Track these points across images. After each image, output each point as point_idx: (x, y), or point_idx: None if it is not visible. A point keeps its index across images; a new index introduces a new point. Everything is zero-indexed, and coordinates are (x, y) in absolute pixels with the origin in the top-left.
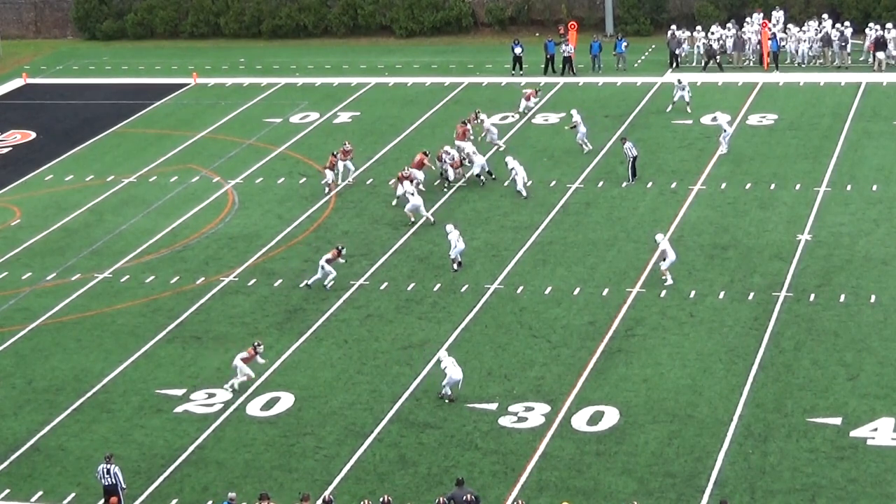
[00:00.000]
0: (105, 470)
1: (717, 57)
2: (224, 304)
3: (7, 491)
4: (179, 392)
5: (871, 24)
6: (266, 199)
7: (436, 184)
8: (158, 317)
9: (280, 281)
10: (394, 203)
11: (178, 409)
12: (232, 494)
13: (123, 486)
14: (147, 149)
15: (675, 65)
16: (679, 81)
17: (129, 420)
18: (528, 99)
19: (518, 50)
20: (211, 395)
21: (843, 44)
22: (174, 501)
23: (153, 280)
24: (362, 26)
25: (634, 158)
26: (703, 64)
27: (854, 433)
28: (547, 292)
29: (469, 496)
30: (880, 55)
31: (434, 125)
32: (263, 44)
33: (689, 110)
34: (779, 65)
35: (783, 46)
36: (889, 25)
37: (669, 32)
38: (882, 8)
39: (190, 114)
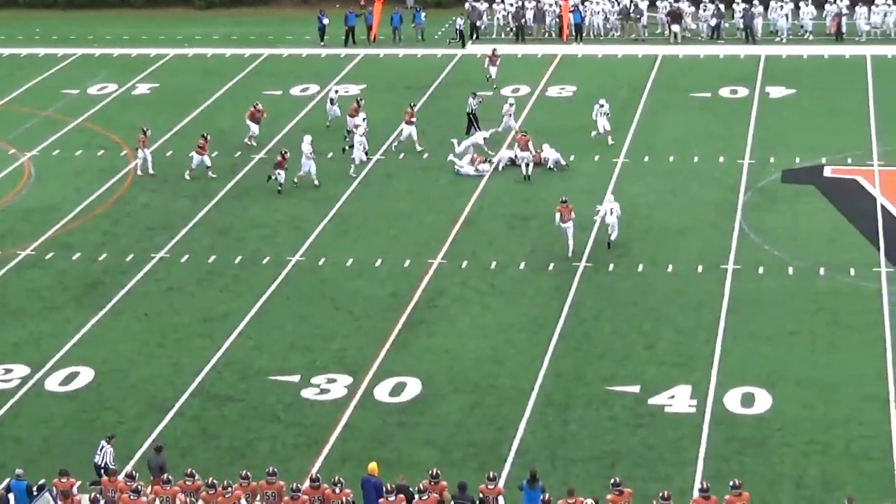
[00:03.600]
0: (100, 448)
1: (520, 28)
2: (21, 279)
3: None
4: None
5: None
6: (63, 172)
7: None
8: None
9: (78, 254)
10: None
11: None
12: (20, 471)
13: (112, 465)
14: None
15: (475, 36)
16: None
17: None
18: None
19: (326, 21)
20: (8, 371)
21: (639, 16)
22: None
23: None
24: None
25: (473, 114)
26: (515, 35)
27: (652, 401)
28: (348, 264)
29: (164, 462)
30: (675, 28)
31: (235, 97)
32: (60, 13)
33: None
34: (582, 37)
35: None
36: None
37: (468, 5)
38: None
39: None
